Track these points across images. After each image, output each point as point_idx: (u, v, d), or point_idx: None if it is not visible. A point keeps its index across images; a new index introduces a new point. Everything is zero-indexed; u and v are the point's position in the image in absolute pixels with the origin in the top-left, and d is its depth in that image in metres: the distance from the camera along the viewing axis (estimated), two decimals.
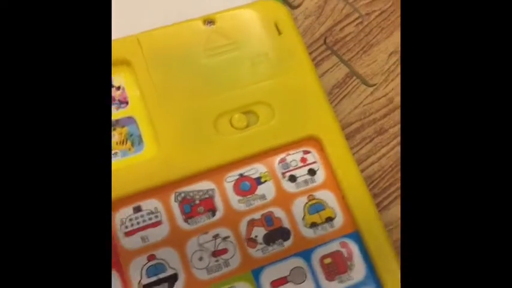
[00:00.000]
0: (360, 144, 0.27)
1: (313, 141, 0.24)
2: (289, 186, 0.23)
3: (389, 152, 0.27)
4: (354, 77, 0.28)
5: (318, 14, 0.30)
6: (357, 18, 0.30)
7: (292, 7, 0.29)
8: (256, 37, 0.25)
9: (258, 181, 0.23)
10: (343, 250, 0.22)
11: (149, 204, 0.22)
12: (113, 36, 0.25)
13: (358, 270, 0.22)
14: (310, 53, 0.28)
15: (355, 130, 0.27)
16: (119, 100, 0.24)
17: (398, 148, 0.27)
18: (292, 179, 0.23)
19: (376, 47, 0.29)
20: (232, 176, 0.23)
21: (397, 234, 0.25)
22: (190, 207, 0.23)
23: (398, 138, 0.27)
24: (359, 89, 0.28)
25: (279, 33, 0.26)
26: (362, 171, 0.26)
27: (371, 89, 0.28)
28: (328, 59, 0.29)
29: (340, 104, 0.28)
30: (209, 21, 0.26)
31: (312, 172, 0.24)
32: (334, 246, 0.22)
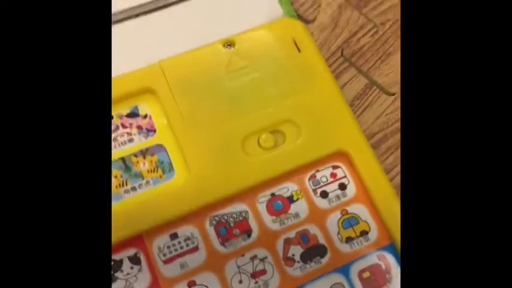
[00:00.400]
0: (385, 154, 0.27)
1: (341, 155, 0.24)
2: (322, 203, 0.24)
3: None
4: (374, 87, 0.28)
5: (333, 26, 0.30)
6: (372, 28, 0.30)
7: (307, 22, 0.30)
8: (276, 56, 0.26)
9: (290, 199, 0.23)
10: (381, 263, 0.22)
11: (185, 230, 0.23)
12: (136, 66, 0.25)
13: (397, 283, 0.22)
14: (329, 66, 0.28)
15: (379, 140, 0.27)
16: (146, 129, 0.25)
17: None
18: (324, 195, 0.24)
19: (393, 56, 0.29)
20: (265, 196, 0.23)
21: None
22: (226, 230, 0.23)
23: None
24: (380, 98, 0.28)
25: (298, 50, 0.26)
26: (390, 180, 0.26)
27: (392, 97, 0.28)
28: (346, 71, 0.29)
29: (363, 116, 0.28)
30: (229, 43, 0.26)
31: (342, 187, 0.24)
32: (371, 260, 0.22)
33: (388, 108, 0.28)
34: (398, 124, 0.28)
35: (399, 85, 0.28)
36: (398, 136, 0.27)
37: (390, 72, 0.29)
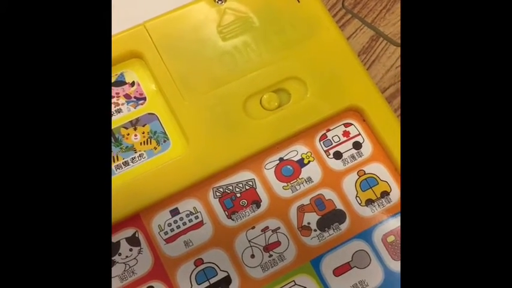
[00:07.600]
0: (399, 109, 0.25)
1: (353, 111, 0.22)
2: (336, 164, 0.21)
3: None
4: (381, 39, 0.26)
5: None
6: None
7: None
8: (273, 9, 0.23)
9: (301, 163, 0.21)
10: None
11: (187, 204, 0.20)
12: (117, 29, 0.23)
13: None
14: None
15: (391, 95, 0.25)
16: (135, 97, 0.22)
17: None
18: (338, 155, 0.21)
19: (399, 3, 0.27)
20: (272, 161, 0.21)
21: None
22: (232, 202, 0.21)
23: None
24: (388, 50, 0.26)
25: (298, 1, 0.23)
26: None
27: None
28: (349, 24, 0.27)
29: (371, 70, 0.26)
30: None
31: (357, 145, 0.22)
32: (395, 223, 0.20)
33: (398, 61, 0.26)
34: None
35: None
36: None
37: (397, 22, 0.26)
